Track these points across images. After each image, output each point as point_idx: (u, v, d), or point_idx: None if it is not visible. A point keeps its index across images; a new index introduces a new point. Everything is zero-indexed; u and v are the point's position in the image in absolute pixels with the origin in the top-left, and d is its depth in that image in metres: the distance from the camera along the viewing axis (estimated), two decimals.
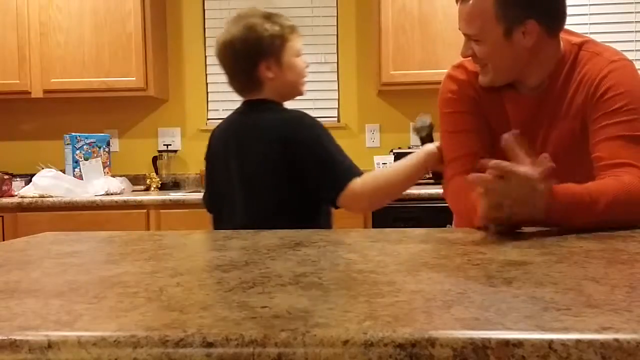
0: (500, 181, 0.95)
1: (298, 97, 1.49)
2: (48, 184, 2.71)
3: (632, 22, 3.19)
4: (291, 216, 1.36)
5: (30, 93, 3.03)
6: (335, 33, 3.37)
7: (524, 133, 1.25)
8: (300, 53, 1.45)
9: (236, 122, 1.46)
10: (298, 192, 1.37)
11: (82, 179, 2.88)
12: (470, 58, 1.27)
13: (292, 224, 1.23)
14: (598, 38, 1.29)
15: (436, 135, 1.48)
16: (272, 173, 1.37)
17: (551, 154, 1.13)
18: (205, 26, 3.41)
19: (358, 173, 1.34)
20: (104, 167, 2.99)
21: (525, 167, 0.97)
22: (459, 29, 1.22)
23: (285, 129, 1.37)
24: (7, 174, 2.93)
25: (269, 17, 1.42)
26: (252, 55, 1.40)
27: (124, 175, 3.16)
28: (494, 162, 0.95)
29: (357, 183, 1.32)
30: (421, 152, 1.37)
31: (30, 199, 2.67)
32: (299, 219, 1.34)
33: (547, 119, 1.23)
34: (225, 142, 1.46)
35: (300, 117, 1.39)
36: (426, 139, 1.61)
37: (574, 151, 1.20)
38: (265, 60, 1.40)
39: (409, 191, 2.63)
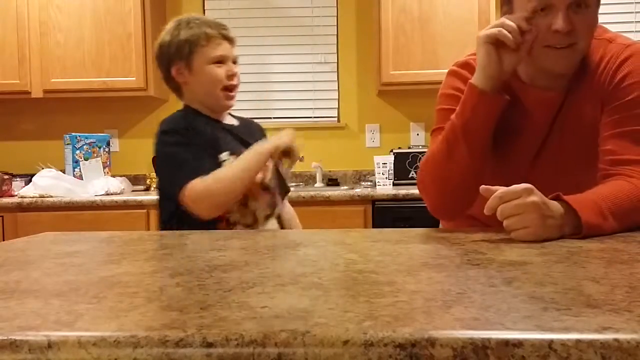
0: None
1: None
2: (48, 184, 2.71)
3: (632, 22, 3.19)
4: (189, 225, 1.30)
5: (30, 93, 3.02)
6: (335, 33, 3.36)
7: (546, 135, 1.17)
8: (216, 60, 1.46)
9: None
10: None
11: (82, 179, 2.88)
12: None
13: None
14: None
15: None
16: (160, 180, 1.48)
17: (572, 150, 1.09)
18: None
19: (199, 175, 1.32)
20: (104, 167, 2.99)
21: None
22: None
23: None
24: (7, 174, 2.93)
25: (188, 22, 1.48)
26: (164, 58, 1.48)
27: (124, 175, 3.16)
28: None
29: (197, 182, 1.31)
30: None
31: (30, 199, 2.67)
32: (196, 227, 1.27)
33: (563, 116, 1.15)
34: None
35: (161, 123, 1.43)
36: None
37: (594, 144, 1.12)
38: (176, 64, 1.47)
39: (409, 191, 2.65)
